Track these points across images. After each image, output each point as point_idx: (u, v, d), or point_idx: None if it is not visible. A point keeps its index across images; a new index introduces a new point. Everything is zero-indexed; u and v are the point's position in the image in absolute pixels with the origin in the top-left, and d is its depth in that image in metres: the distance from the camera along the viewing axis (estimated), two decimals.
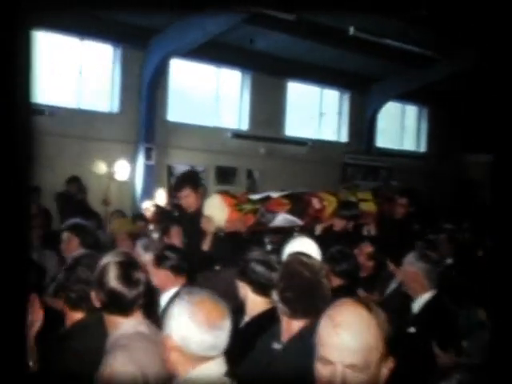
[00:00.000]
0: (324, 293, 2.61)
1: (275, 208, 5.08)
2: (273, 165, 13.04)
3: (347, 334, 1.67)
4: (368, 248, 5.10)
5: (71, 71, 10.83)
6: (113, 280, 2.46)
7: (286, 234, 5.76)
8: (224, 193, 5.37)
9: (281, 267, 2.85)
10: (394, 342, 1.72)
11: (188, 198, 5.10)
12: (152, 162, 11.36)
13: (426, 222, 7.45)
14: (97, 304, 2.54)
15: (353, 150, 14.95)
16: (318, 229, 5.66)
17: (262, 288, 3.05)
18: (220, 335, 2.04)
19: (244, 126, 13.26)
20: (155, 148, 11.41)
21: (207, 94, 12.72)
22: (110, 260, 2.53)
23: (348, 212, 5.70)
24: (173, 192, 5.59)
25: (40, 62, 10.27)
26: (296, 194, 5.82)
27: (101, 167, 10.77)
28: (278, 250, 4.49)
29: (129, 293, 2.47)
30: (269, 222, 5.06)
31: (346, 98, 15.10)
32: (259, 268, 3.09)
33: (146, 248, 4.34)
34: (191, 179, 5.38)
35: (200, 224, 4.82)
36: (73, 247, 4.81)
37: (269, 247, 6.19)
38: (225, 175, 12.53)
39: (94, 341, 2.54)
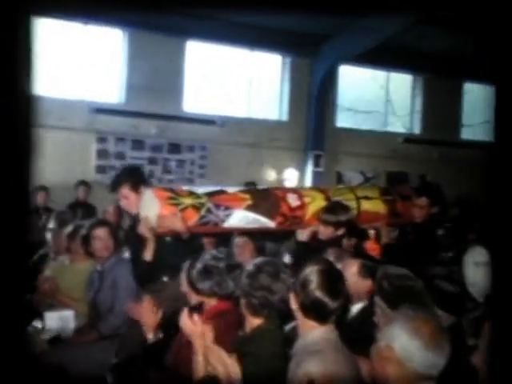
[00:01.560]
0: None
1: (229, 203, 3.88)
2: (447, 170, 12.36)
3: None
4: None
5: (241, 81, 11.16)
6: (317, 290, 2.51)
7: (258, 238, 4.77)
8: (159, 186, 4.46)
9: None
10: None
11: (127, 199, 4.13)
12: (321, 169, 11.31)
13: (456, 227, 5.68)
14: (294, 307, 2.59)
15: None
16: (303, 234, 4.28)
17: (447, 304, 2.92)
18: (441, 354, 2.07)
19: (416, 130, 12.75)
20: (324, 155, 11.36)
21: (376, 99, 12.41)
22: (313, 268, 2.57)
23: (331, 216, 4.23)
24: (109, 192, 4.36)
25: (211, 75, 10.75)
26: (262, 188, 4.70)
27: (271, 174, 10.96)
28: (376, 261, 3.79)
29: (331, 303, 2.50)
30: (221, 222, 3.86)
31: None
32: (444, 284, 2.92)
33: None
34: (130, 175, 4.25)
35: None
36: (247, 252, 5.00)
37: (287, 259, 5.29)
38: (396, 180, 12.11)
39: (272, 346, 2.64)
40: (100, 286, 4.52)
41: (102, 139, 9.73)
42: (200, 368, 2.65)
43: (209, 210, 3.77)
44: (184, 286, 3.45)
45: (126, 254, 4.88)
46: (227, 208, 3.83)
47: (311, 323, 2.55)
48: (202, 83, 10.61)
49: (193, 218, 3.74)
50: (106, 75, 9.94)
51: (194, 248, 4.23)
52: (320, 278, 2.53)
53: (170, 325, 3.29)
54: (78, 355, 4.13)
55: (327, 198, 4.37)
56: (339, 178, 11.66)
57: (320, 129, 11.34)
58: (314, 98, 11.26)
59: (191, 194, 3.82)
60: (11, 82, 1.28)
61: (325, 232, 4.25)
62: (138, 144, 10.03)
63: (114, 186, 4.18)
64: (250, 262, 2.96)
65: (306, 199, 4.24)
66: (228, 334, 2.87)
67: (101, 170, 9.68)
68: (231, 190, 4.02)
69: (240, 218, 3.88)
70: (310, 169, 11.31)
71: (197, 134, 10.36)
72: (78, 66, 9.64)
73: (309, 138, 11.33)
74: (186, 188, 3.93)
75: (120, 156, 9.86)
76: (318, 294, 2.51)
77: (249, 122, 10.98)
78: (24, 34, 1.31)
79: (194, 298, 3.30)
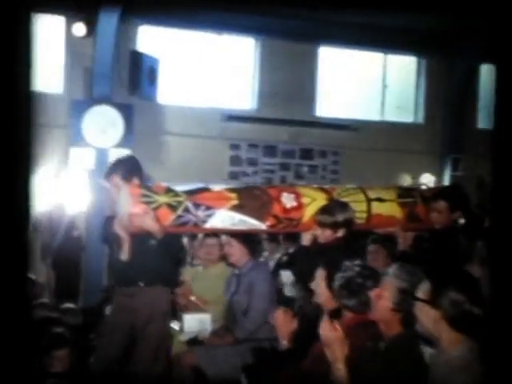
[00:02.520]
0: None
1: (211, 203, 3.59)
2: None
3: None
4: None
5: (375, 85, 10.89)
6: (468, 302, 2.31)
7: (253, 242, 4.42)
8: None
9: None
10: None
11: (117, 189, 3.83)
12: (460, 173, 10.74)
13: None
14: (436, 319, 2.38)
15: None
16: (306, 238, 3.93)
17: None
18: None
19: None
20: (463, 158, 10.77)
21: None
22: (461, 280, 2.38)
23: (327, 217, 3.79)
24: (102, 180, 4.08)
25: (344, 79, 10.57)
26: (253, 186, 4.26)
27: (406, 180, 10.56)
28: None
29: (480, 314, 2.30)
30: (201, 222, 3.58)
31: None
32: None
33: None
34: (124, 163, 4.00)
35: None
36: (381, 259, 4.75)
37: (286, 277, 4.93)
38: None
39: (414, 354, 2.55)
40: (236, 289, 4.53)
41: (234, 146, 9.88)
42: (341, 376, 2.52)
43: (187, 210, 3.53)
44: (322, 295, 3.30)
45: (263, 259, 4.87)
46: (208, 208, 3.57)
47: (457, 336, 2.32)
48: (334, 88, 10.48)
49: (168, 218, 3.53)
50: (238, 83, 10.09)
51: (175, 253, 4.15)
52: (467, 289, 2.32)
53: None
54: (214, 357, 4.18)
55: (330, 199, 3.96)
56: (481, 183, 10.98)
57: (459, 131, 10.78)
58: (452, 99, 10.75)
59: (169, 191, 3.58)
60: (12, 79, 1.27)
61: (323, 235, 3.83)
62: (269, 150, 10.09)
63: (107, 174, 3.97)
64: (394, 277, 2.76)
65: (305, 200, 3.86)
66: (364, 343, 2.75)
67: (234, 176, 9.83)
68: (217, 188, 3.73)
69: (223, 218, 3.61)
70: (448, 173, 10.77)
71: (329, 139, 10.22)
72: (211, 74, 9.87)
73: (446, 140, 10.80)
74: (165, 185, 3.67)
75: (252, 162, 9.96)
76: (469, 306, 2.30)
77: (383, 126, 10.67)
78: (24, 32, 1.29)
79: (331, 305, 3.18)
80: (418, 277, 2.58)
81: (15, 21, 1.24)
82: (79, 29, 8.21)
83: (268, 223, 3.73)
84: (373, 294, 2.80)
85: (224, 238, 4.73)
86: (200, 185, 3.70)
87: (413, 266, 2.80)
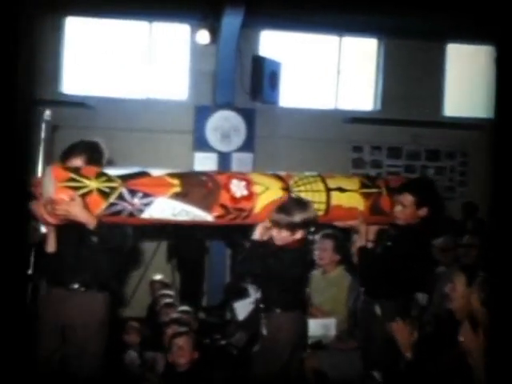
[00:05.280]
0: None
1: (149, 190, 3.19)
2: None
3: None
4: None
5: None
6: None
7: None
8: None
9: None
10: None
11: None
12: None
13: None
14: None
15: None
16: (258, 232, 3.52)
17: None
18: None
19: None
20: None
21: None
22: None
23: (283, 217, 3.42)
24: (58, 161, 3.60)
25: (473, 77, 10.04)
26: (199, 172, 3.72)
27: None
28: None
29: None
30: (138, 211, 3.17)
31: None
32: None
33: None
34: (88, 148, 3.59)
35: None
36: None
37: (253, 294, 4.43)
38: None
39: None
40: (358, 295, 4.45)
41: (357, 148, 9.71)
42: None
43: (121, 197, 3.13)
44: (459, 300, 3.15)
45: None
46: (146, 195, 3.17)
47: None
48: (462, 86, 10.01)
49: (98, 206, 3.11)
50: (360, 84, 9.92)
51: (118, 249, 3.55)
52: None
53: None
54: (338, 361, 4.18)
55: (285, 188, 3.54)
56: (471, 208, 9.91)
57: None
58: None
59: (101, 175, 3.15)
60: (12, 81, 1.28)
61: (279, 236, 3.47)
62: (394, 152, 9.81)
63: (66, 154, 3.56)
64: None
65: (257, 188, 3.45)
66: None
67: None
68: (158, 172, 3.31)
69: (163, 207, 3.21)
70: None
71: (457, 139, 9.75)
72: (332, 76, 9.76)
73: None
74: (97, 169, 3.25)
75: (376, 164, 9.73)
76: None
77: None
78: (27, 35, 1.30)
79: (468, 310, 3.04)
80: None
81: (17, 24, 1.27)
82: (203, 36, 8.42)
83: (215, 213, 3.35)
84: None
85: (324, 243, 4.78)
86: (138, 169, 3.30)
87: None
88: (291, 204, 3.50)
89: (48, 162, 3.50)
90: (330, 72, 9.74)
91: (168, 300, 5.73)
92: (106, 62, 9.06)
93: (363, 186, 3.78)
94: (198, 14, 8.51)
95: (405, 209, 3.75)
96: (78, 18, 8.95)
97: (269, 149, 8.85)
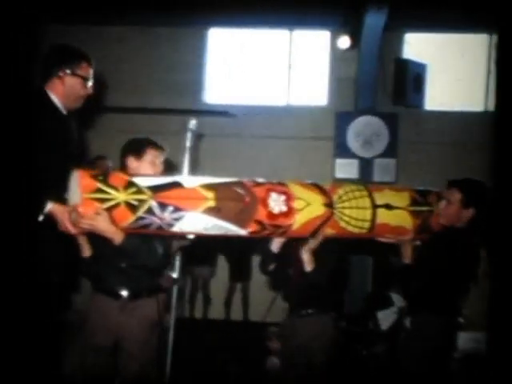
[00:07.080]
0: None
1: (181, 204, 2.87)
2: None
3: None
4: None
5: None
6: None
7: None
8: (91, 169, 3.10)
9: None
10: None
11: (133, 171, 3.26)
12: None
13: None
14: None
15: None
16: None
17: None
18: None
19: None
20: None
21: None
22: None
23: None
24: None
25: None
26: (236, 181, 3.09)
27: None
28: None
29: None
30: (167, 226, 2.88)
31: None
32: None
33: None
34: (136, 144, 3.37)
35: None
36: None
37: None
38: None
39: None
40: None
41: None
42: None
43: (150, 211, 2.86)
44: None
45: None
46: (177, 209, 2.89)
47: None
48: None
49: (125, 219, 2.87)
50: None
51: (164, 251, 3.27)
52: None
53: None
54: None
55: (328, 204, 3.19)
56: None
57: None
58: None
59: (130, 186, 2.87)
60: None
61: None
62: None
63: (121, 157, 3.40)
64: None
65: (297, 203, 3.12)
66: None
67: None
68: (192, 182, 2.99)
69: (194, 222, 2.94)
70: None
71: None
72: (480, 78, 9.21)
73: None
74: (126, 177, 2.95)
75: None
76: None
77: None
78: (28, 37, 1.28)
79: None
80: None
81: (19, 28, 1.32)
82: (344, 42, 8.34)
83: (249, 229, 3.08)
84: None
85: None
86: (170, 178, 3.02)
87: None
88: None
89: (193, 169, 3.59)
90: (478, 73, 9.19)
91: None
92: (247, 71, 9.25)
93: (413, 202, 3.42)
94: (339, 19, 8.43)
95: (450, 205, 3.46)
96: (220, 29, 9.23)
97: (413, 154, 8.52)
